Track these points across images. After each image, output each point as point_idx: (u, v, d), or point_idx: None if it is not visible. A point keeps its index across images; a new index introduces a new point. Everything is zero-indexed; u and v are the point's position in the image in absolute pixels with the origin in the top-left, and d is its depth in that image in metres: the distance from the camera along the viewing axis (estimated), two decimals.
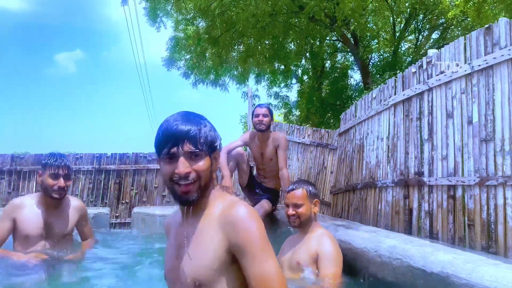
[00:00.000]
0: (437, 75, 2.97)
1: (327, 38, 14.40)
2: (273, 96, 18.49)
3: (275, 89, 18.31)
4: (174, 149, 1.16)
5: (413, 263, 2.25)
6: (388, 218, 3.60)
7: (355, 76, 16.30)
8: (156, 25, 12.40)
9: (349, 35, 12.46)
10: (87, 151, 6.73)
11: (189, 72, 16.22)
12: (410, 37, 15.01)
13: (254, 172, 4.53)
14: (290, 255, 2.43)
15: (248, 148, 4.58)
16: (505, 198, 2.39)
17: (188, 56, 15.21)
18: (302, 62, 16.26)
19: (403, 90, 3.43)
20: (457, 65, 2.76)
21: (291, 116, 18.64)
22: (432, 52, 3.09)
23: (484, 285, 1.76)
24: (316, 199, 2.46)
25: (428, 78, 3.08)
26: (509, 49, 2.34)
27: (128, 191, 6.48)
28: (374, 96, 4.00)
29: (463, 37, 2.76)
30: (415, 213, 3.24)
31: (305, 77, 16.88)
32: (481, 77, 2.58)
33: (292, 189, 2.43)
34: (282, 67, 15.21)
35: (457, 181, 2.75)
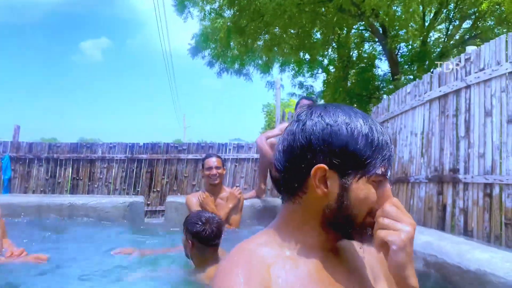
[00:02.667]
0: (476, 72, 2.96)
1: (354, 27, 14.20)
2: (297, 86, 18.38)
3: (300, 78, 18.20)
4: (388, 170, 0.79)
5: (447, 260, 2.31)
6: (420, 214, 3.62)
7: (383, 66, 16.08)
8: (183, 16, 12.49)
9: (377, 25, 12.27)
10: (112, 138, 6.95)
11: (214, 61, 16.29)
12: (440, 27, 14.64)
13: None
14: None
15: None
16: None
17: (213, 45, 15.27)
18: (328, 52, 16.10)
19: (439, 87, 3.42)
20: (498, 63, 2.74)
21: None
22: (470, 49, 3.07)
23: None
24: None
25: (466, 75, 3.07)
26: None
27: (159, 180, 6.66)
28: (408, 91, 3.99)
29: (505, 34, 2.74)
30: (448, 209, 3.25)
31: (331, 67, 16.72)
32: None
33: None
34: (308, 57, 15.10)
35: (495, 179, 2.76)
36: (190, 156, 6.70)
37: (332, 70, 16.59)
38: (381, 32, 12.53)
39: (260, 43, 14.15)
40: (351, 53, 15.51)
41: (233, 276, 0.69)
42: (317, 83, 18.21)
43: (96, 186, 6.49)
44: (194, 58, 16.22)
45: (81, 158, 6.47)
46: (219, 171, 3.54)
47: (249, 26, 11.96)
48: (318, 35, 14.16)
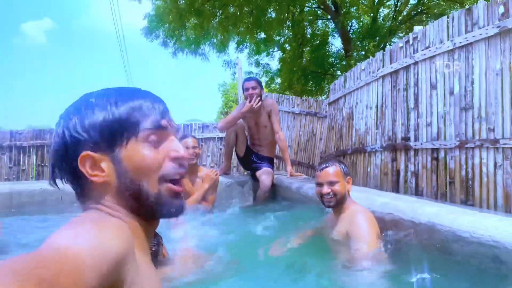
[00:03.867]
0: (422, 50, 3.30)
1: (308, 5, 14.48)
2: (253, 65, 18.53)
3: (256, 57, 18.33)
4: (165, 122, 0.78)
5: (403, 216, 2.64)
6: (377, 179, 4.01)
7: (336, 43, 16.51)
8: None
9: (329, 3, 12.61)
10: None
11: (168, 41, 16.06)
12: (388, 3, 15.22)
13: (248, 142, 4.78)
14: (328, 236, 2.35)
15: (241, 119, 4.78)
16: (481, 158, 2.79)
17: (167, 26, 15.03)
18: (284, 30, 16.31)
19: (390, 64, 3.76)
20: (441, 41, 3.09)
21: (273, 85, 18.81)
22: (417, 28, 3.40)
23: (463, 230, 2.14)
24: (348, 177, 2.31)
25: (414, 53, 3.42)
26: (486, 29, 2.68)
27: None
28: (363, 68, 4.32)
29: (446, 16, 3.08)
30: (402, 174, 3.64)
31: (286, 46, 16.97)
32: (461, 53, 2.92)
33: (326, 167, 2.24)
34: (263, 35, 15.25)
35: (440, 144, 3.14)
36: None
37: (288, 48, 16.84)
38: (333, 9, 12.90)
39: (215, 22, 14.12)
40: (305, 31, 15.81)
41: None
42: (274, 62, 18.33)
43: None
44: (149, 39, 15.89)
45: (46, 145, 6.40)
46: (196, 150, 3.61)
47: (204, 6, 11.93)
48: (273, 14, 14.32)
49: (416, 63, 3.40)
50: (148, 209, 0.74)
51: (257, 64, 18.96)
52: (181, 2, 12.73)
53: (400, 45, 3.61)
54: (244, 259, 2.27)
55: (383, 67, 3.90)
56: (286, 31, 16.57)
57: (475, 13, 2.80)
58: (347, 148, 4.68)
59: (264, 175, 4.21)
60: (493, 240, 2.01)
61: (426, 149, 3.31)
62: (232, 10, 12.79)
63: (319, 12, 15.52)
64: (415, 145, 3.42)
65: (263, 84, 19.63)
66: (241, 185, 4.74)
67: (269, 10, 13.25)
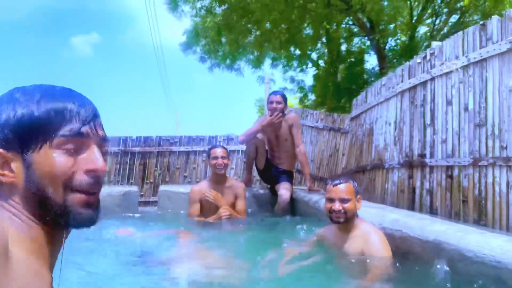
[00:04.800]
0: (439, 65, 3.26)
1: (344, 22, 14.48)
2: (288, 80, 18.62)
3: (291, 73, 18.43)
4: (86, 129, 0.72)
5: (411, 233, 2.59)
6: (394, 196, 3.94)
7: (371, 61, 16.36)
8: (176, 14, 12.72)
9: (365, 20, 12.57)
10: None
11: (206, 56, 16.46)
12: (428, 21, 14.96)
13: (268, 155, 4.81)
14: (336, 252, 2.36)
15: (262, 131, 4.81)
16: (493, 177, 2.71)
17: (204, 42, 15.44)
18: (318, 47, 16.36)
19: (409, 79, 3.73)
20: (456, 57, 3.05)
21: (306, 101, 18.79)
22: (435, 44, 3.37)
23: (469, 249, 2.09)
24: (359, 196, 2.32)
25: (431, 68, 3.37)
26: (500, 44, 2.62)
27: (152, 172, 6.93)
28: (383, 83, 4.29)
29: (461, 31, 3.04)
30: (417, 191, 3.57)
31: (320, 62, 16.99)
32: (476, 68, 2.87)
33: (340, 183, 2.23)
34: (298, 52, 15.37)
35: (454, 161, 3.07)
36: (182, 149, 6.97)
37: (322, 65, 16.86)
38: (368, 26, 12.84)
39: (250, 39, 14.40)
40: (340, 48, 15.78)
41: None
42: (308, 78, 18.35)
43: None
44: (186, 54, 16.34)
45: None
46: (225, 161, 3.66)
47: (239, 23, 12.22)
48: (308, 30, 14.43)
49: (432, 78, 3.36)
50: (52, 217, 0.69)
51: (292, 80, 19.05)
52: (218, 19, 13.10)
53: (418, 60, 3.58)
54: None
55: (402, 82, 3.87)
56: (321, 47, 16.62)
57: (489, 29, 2.75)
58: (367, 164, 4.63)
59: (283, 189, 4.18)
60: (496, 260, 1.96)
61: (441, 166, 3.24)
62: (267, 26, 13.01)
63: (355, 29, 15.47)
64: (430, 162, 3.36)
65: (297, 100, 19.60)
66: (260, 198, 4.77)
67: (304, 26, 13.36)
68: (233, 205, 3.78)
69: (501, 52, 2.62)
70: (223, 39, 14.02)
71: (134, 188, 5.24)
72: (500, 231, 2.69)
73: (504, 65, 2.62)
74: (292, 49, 14.82)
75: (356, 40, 16.91)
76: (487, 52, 2.73)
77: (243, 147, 6.82)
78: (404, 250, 2.68)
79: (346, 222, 2.24)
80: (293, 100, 19.08)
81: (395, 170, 3.92)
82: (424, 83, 3.49)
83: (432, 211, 3.34)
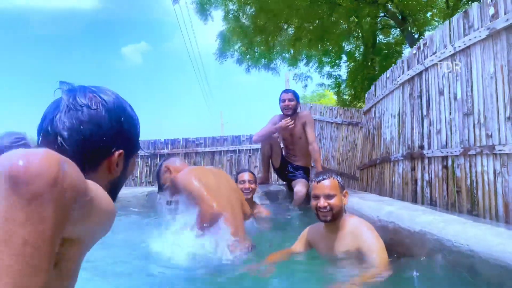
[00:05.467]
0: (430, 56, 3.23)
1: (376, 15, 14.20)
2: (325, 76, 18.47)
3: (327, 68, 18.25)
4: None
5: (401, 224, 2.62)
6: (400, 189, 3.91)
7: (406, 52, 15.86)
8: (203, 18, 13.06)
9: (395, 11, 12.28)
10: (156, 138, 7.50)
11: (242, 58, 16.68)
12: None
13: (283, 153, 4.91)
14: (326, 253, 2.25)
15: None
16: (482, 166, 2.67)
17: (240, 44, 15.66)
18: (351, 40, 16.14)
19: (408, 70, 3.70)
20: (445, 46, 3.01)
21: (343, 96, 18.53)
22: (427, 34, 3.33)
23: (447, 239, 2.11)
24: (345, 190, 2.25)
25: (424, 59, 3.35)
26: (480, 31, 2.59)
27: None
28: (388, 76, 4.27)
29: (448, 20, 3.00)
30: (419, 183, 3.54)
31: (357, 55, 16.72)
32: (462, 57, 2.83)
33: (323, 179, 2.16)
34: (330, 47, 15.22)
35: (447, 152, 3.04)
36: (207, 149, 7.22)
37: (359, 58, 16.59)
38: (400, 18, 12.53)
39: (281, 38, 14.47)
40: (375, 40, 15.47)
41: None
42: (342, 72, 18.09)
43: None
44: (221, 62, 16.55)
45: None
46: (252, 185, 3.58)
47: (269, 24, 12.35)
48: (339, 25, 14.26)
49: (426, 69, 3.32)
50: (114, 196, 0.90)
51: (329, 75, 18.88)
52: (247, 22, 13.29)
53: (414, 51, 3.55)
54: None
55: (402, 74, 3.84)
56: (355, 40, 16.38)
57: (471, 16, 2.71)
58: (377, 157, 4.61)
59: (299, 185, 4.24)
60: (470, 250, 1.97)
61: (437, 157, 3.21)
62: (295, 23, 13.03)
63: (391, 22, 15.09)
64: (427, 153, 3.33)
65: (336, 96, 19.32)
66: (276, 195, 4.88)
67: (333, 21, 13.24)
68: None
69: (481, 39, 2.58)
70: (256, 40, 14.19)
71: (157, 188, 5.51)
72: (490, 220, 2.65)
73: (485, 52, 2.58)
74: (323, 44, 14.71)
75: (395, 31, 16.48)
76: (469, 40, 2.69)
77: None
78: (396, 242, 2.71)
79: (333, 219, 2.16)
80: (334, 96, 18.86)
81: (400, 163, 3.90)
82: (419, 74, 3.46)
83: (432, 203, 3.31)
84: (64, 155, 0.67)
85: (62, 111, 0.79)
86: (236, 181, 3.73)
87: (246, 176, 3.62)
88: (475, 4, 2.65)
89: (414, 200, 3.60)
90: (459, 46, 2.81)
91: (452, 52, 2.90)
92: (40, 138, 0.81)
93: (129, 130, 0.86)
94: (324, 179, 2.17)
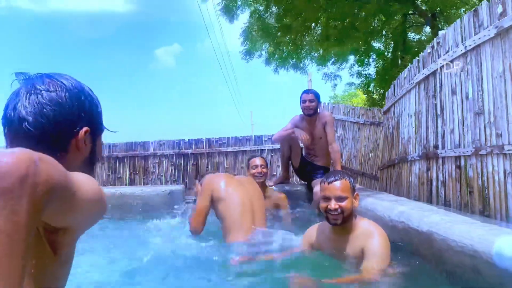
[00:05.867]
0: (444, 54, 3.20)
1: (405, 12, 13.93)
2: (355, 76, 18.25)
3: (356, 67, 18.01)
4: None
5: (411, 224, 2.62)
6: (416, 189, 3.88)
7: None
8: (229, 19, 13.20)
9: (424, 7, 12.03)
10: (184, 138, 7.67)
11: (270, 58, 16.68)
12: None
13: (304, 152, 4.93)
14: (332, 255, 2.17)
15: None
16: (492, 166, 2.63)
17: (263, 46, 15.68)
18: (381, 39, 15.88)
19: (423, 69, 3.67)
20: (457, 45, 2.98)
21: (373, 95, 18.25)
22: (441, 33, 3.30)
23: (452, 239, 2.11)
24: (356, 193, 2.13)
25: (438, 58, 3.32)
26: (489, 30, 2.55)
27: (204, 171, 7.38)
28: (405, 75, 4.23)
29: (460, 18, 2.97)
30: (434, 183, 3.51)
31: (386, 53, 16.44)
32: (473, 56, 2.80)
33: (335, 180, 2.05)
34: (359, 46, 15.04)
35: (460, 152, 3.00)
36: (230, 149, 7.34)
37: (389, 56, 16.30)
38: (429, 15, 12.25)
39: (308, 38, 14.43)
40: (404, 38, 15.17)
41: None
42: (372, 71, 17.84)
43: (150, 179, 7.39)
44: (248, 61, 16.52)
45: (136, 155, 7.40)
46: (264, 169, 3.72)
47: (294, 24, 12.36)
48: (367, 23, 14.07)
49: (440, 68, 3.30)
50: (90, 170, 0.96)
51: (359, 75, 18.64)
52: (271, 21, 13.34)
53: (428, 50, 3.52)
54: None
55: (418, 73, 3.81)
56: (384, 39, 16.11)
57: (481, 14, 2.67)
58: (395, 157, 4.58)
59: (318, 185, 4.26)
60: (473, 249, 1.97)
61: (450, 157, 3.18)
62: (322, 22, 12.98)
63: (422, 19, 14.76)
64: (441, 153, 3.30)
65: (365, 95, 19.02)
66: (296, 195, 4.93)
67: (360, 16, 13.08)
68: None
69: (491, 37, 2.55)
70: (285, 39, 14.20)
71: (179, 187, 5.67)
72: (500, 221, 2.61)
73: (494, 51, 2.55)
74: (353, 43, 14.54)
75: (426, 28, 16.08)
76: (479, 38, 2.66)
77: None
78: (406, 242, 2.72)
79: (343, 223, 2.05)
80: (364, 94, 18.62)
81: (416, 163, 3.87)
82: (434, 73, 3.43)
83: (446, 203, 3.28)
84: (32, 140, 0.78)
85: (23, 97, 0.81)
86: (248, 167, 3.87)
87: (257, 161, 3.75)
88: (484, 2, 2.62)
89: (429, 201, 3.56)
90: (470, 45, 2.78)
91: (464, 51, 2.87)
92: (6, 128, 0.83)
93: (91, 108, 0.89)
94: (335, 180, 2.06)
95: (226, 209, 2.70)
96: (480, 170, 2.78)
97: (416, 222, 2.60)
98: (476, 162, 2.82)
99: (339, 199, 2.02)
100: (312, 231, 2.35)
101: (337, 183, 2.04)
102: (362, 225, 2.15)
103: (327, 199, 2.06)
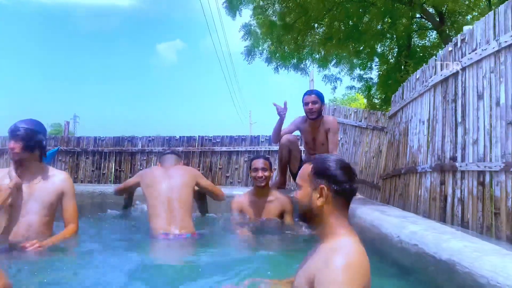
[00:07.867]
0: (469, 53, 2.77)
1: (412, 16, 13.58)
2: (356, 79, 17.89)
3: (358, 71, 17.67)
4: None
5: (426, 249, 2.20)
6: (426, 204, 3.46)
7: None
8: (232, 14, 12.82)
9: (432, 11, 11.64)
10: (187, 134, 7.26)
11: (271, 57, 16.28)
12: None
13: (303, 157, 4.55)
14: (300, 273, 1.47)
15: (299, 132, 4.57)
16: None
17: (265, 45, 15.32)
18: (385, 42, 15.52)
19: (441, 70, 3.24)
20: (487, 42, 2.55)
21: (373, 99, 17.90)
22: (466, 28, 2.87)
23: (481, 274, 1.70)
24: (322, 185, 1.43)
25: (461, 57, 2.89)
26: None
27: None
28: (417, 77, 3.81)
29: (492, 11, 2.54)
30: (449, 200, 3.08)
31: (389, 57, 16.09)
32: (508, 54, 2.37)
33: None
34: (362, 48, 14.68)
35: (485, 166, 2.58)
36: (224, 149, 6.89)
37: (392, 61, 15.95)
38: (437, 19, 11.87)
39: (310, 39, 14.04)
40: (411, 43, 14.82)
41: None
42: (374, 75, 17.56)
43: None
44: (250, 61, 16.15)
45: (123, 151, 6.93)
46: (266, 173, 3.39)
47: (297, 22, 11.95)
48: (372, 26, 13.72)
49: (463, 69, 2.86)
50: None
51: (360, 78, 18.29)
52: (274, 18, 12.92)
53: (450, 48, 3.09)
54: None
55: (435, 74, 3.38)
56: (388, 42, 15.75)
57: None
58: (402, 167, 4.15)
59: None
60: None
61: (472, 171, 2.75)
62: (325, 22, 12.58)
63: (428, 24, 14.39)
64: (460, 167, 2.87)
65: (366, 99, 18.70)
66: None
67: (365, 21, 12.71)
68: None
69: None
70: (287, 38, 13.81)
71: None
72: None
73: None
74: (356, 45, 14.18)
75: (431, 33, 15.73)
76: None
77: None
78: (419, 268, 2.30)
79: (305, 221, 1.55)
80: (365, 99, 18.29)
81: (428, 175, 3.44)
82: (455, 75, 3.00)
83: (463, 224, 2.85)
84: None
85: None
86: (250, 168, 3.52)
87: (258, 163, 3.40)
88: None
89: (443, 219, 3.14)
90: (506, 41, 2.35)
91: (497, 48, 2.44)
92: None
93: None
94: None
95: (149, 196, 3.06)
96: (511, 189, 2.35)
97: (433, 247, 2.19)
98: (506, 179, 2.39)
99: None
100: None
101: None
102: (336, 239, 1.42)
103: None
